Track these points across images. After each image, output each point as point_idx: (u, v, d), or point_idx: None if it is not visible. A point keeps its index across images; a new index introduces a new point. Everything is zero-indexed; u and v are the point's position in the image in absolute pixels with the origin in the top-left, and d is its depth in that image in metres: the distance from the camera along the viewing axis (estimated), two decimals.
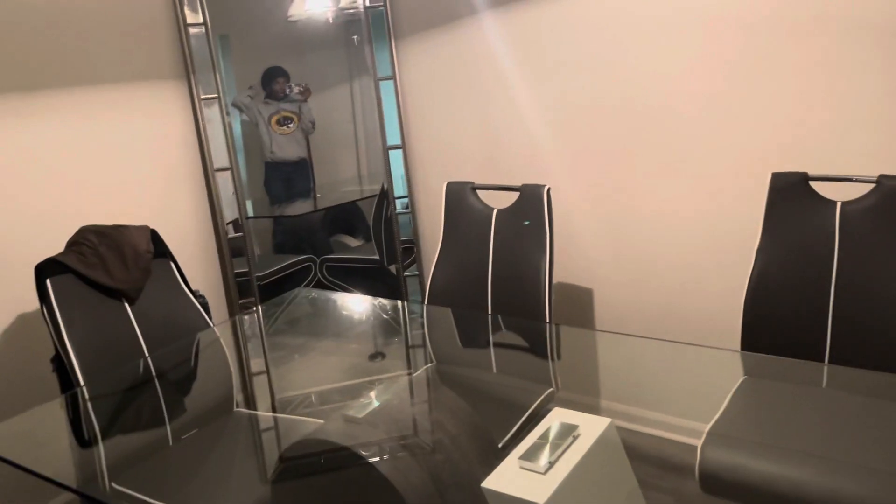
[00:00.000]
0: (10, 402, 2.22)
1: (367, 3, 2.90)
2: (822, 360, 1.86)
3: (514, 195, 2.20)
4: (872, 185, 1.81)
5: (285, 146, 3.20)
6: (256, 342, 2.35)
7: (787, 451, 1.58)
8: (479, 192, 2.28)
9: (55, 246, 2.09)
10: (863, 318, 1.79)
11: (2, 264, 2.28)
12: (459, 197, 2.28)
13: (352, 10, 3.00)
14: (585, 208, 2.52)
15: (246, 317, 2.57)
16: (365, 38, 2.96)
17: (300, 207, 3.37)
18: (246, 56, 3.17)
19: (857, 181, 1.84)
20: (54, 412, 1.89)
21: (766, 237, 1.92)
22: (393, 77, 2.91)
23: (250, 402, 2.04)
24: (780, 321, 1.90)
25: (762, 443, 1.63)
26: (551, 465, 1.25)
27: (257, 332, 2.42)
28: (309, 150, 3.28)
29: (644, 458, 2.04)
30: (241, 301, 2.99)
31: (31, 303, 2.07)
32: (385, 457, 1.47)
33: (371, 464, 1.43)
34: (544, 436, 1.33)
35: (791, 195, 1.91)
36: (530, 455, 1.28)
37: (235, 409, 1.99)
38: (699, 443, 1.62)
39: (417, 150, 2.93)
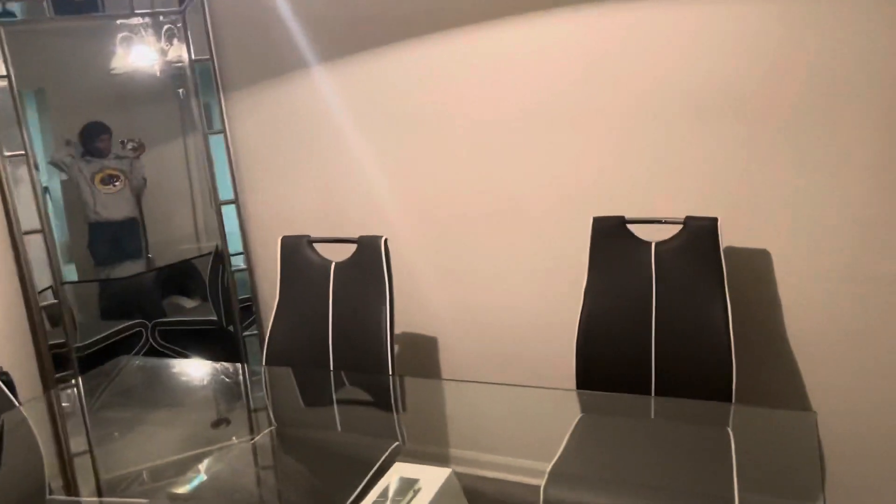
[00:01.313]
0: None
1: (193, 56, 2.82)
2: (650, 393, 1.96)
3: (352, 248, 2.17)
4: (680, 226, 1.96)
5: (111, 205, 3.00)
6: (77, 419, 2.14)
7: (623, 484, 1.64)
8: (316, 245, 2.24)
9: None
10: (680, 350, 1.92)
11: None
12: (295, 251, 2.22)
13: (179, 64, 2.90)
14: (424, 258, 2.54)
15: (66, 391, 2.34)
16: (192, 92, 2.86)
17: (129, 269, 3.16)
18: (65, 111, 2.97)
19: (666, 223, 1.99)
20: None
21: (592, 278, 2.02)
22: (223, 131, 2.82)
23: (71, 486, 1.83)
24: (610, 358, 1.99)
25: (600, 478, 1.68)
26: None
27: (76, 409, 2.20)
28: (140, 209, 3.09)
29: (492, 502, 2.04)
30: (57, 375, 2.72)
31: None
32: None
33: None
34: (384, 493, 1.29)
35: (611, 237, 2.03)
36: None
37: (49, 496, 1.78)
38: (542, 482, 1.64)
39: (252, 206, 2.85)
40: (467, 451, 1.94)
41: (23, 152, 2.61)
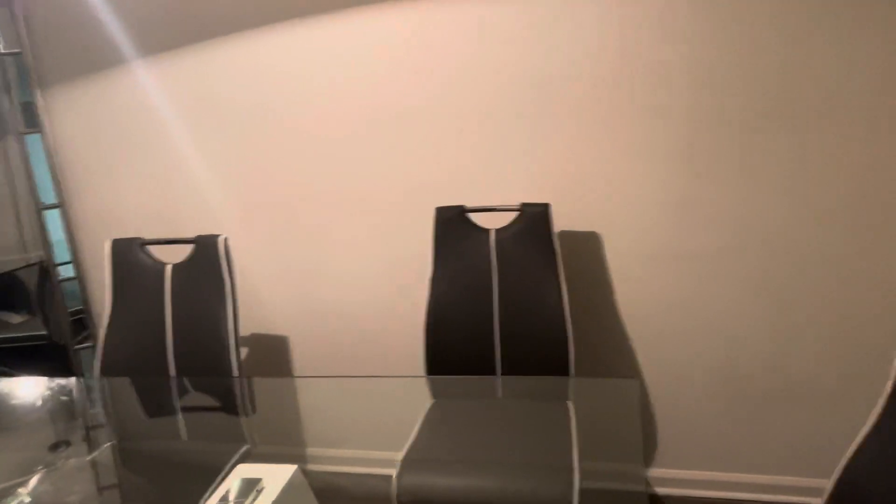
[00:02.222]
0: None
1: (3, 49, 2.58)
2: (496, 373, 2.03)
3: (189, 249, 2.09)
4: (517, 213, 2.05)
5: None
6: None
7: (474, 464, 1.69)
8: (150, 248, 2.13)
9: None
10: (521, 330, 2.00)
11: None
12: (127, 255, 2.10)
13: None
14: (267, 257, 2.48)
15: None
16: (3, 88, 2.63)
17: None
18: None
19: (504, 210, 2.07)
20: None
21: (437, 266, 2.07)
22: (41, 130, 2.60)
23: None
24: (456, 343, 2.04)
25: (452, 460, 1.72)
26: None
27: None
28: None
29: (347, 496, 2.04)
30: None
31: None
32: None
33: None
34: (225, 497, 1.25)
35: (453, 226, 2.08)
36: None
37: None
38: (395, 469, 1.66)
39: (79, 209, 2.65)
40: (320, 448, 1.93)
41: None
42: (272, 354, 2.59)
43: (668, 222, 2.10)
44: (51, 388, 2.18)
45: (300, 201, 2.41)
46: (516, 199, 2.17)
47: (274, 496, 1.26)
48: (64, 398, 2.15)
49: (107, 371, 2.09)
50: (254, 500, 1.25)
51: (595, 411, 1.84)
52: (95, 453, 1.87)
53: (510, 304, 2.01)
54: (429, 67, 2.17)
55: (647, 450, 2.29)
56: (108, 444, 1.93)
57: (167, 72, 2.40)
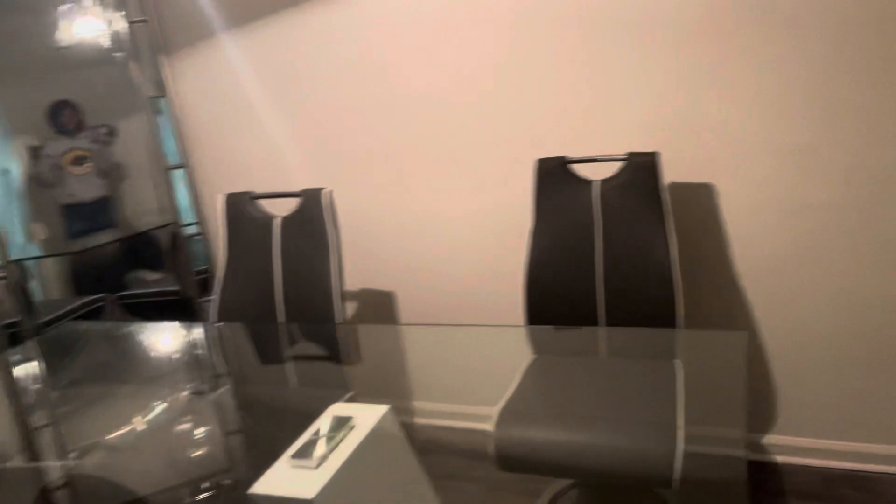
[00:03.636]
0: None
1: (132, 20, 2.75)
2: (598, 325, 1.97)
3: (296, 202, 2.15)
4: (622, 163, 1.96)
5: (81, 186, 2.96)
6: (33, 392, 2.13)
7: (573, 419, 1.66)
8: (260, 201, 2.21)
9: None
10: (627, 285, 1.93)
11: None
12: (239, 209, 2.20)
13: (119, 29, 2.83)
14: (373, 211, 2.52)
15: (19, 364, 2.32)
16: (130, 56, 2.80)
17: (91, 243, 3.13)
18: (16, 84, 2.91)
19: (608, 160, 1.98)
20: None
21: (538, 219, 2.02)
22: (166, 95, 2.76)
23: (36, 456, 1.83)
24: (558, 297, 2.00)
25: (551, 414, 1.69)
26: (324, 459, 1.21)
27: (34, 381, 2.19)
28: (107, 187, 3.06)
29: (443, 448, 2.06)
30: (12, 349, 2.69)
31: None
32: (151, 482, 1.36)
33: (132, 492, 1.32)
34: (317, 432, 1.29)
35: (554, 178, 2.02)
36: (301, 452, 1.23)
37: (6, 463, 1.78)
38: (492, 423, 1.65)
39: (201, 169, 2.81)
40: (420, 400, 1.96)
41: None
42: (377, 307, 2.64)
43: (786, 173, 1.94)
44: (171, 334, 2.33)
45: (403, 155, 2.42)
46: (622, 149, 2.07)
47: (364, 434, 1.29)
48: (183, 343, 2.29)
49: (222, 318, 2.20)
50: (343, 436, 1.28)
51: (702, 368, 1.74)
52: (212, 395, 1.99)
53: (615, 257, 1.93)
54: (529, 14, 2.11)
55: (767, 415, 2.15)
56: (224, 387, 2.04)
57: (280, 33, 2.47)
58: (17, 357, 2.41)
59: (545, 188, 2.03)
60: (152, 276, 3.39)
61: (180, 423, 1.67)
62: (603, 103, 2.10)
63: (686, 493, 1.56)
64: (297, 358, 2.09)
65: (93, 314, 3.17)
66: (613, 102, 2.09)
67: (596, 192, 1.97)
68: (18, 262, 2.92)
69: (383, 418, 1.36)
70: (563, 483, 2.12)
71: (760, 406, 2.16)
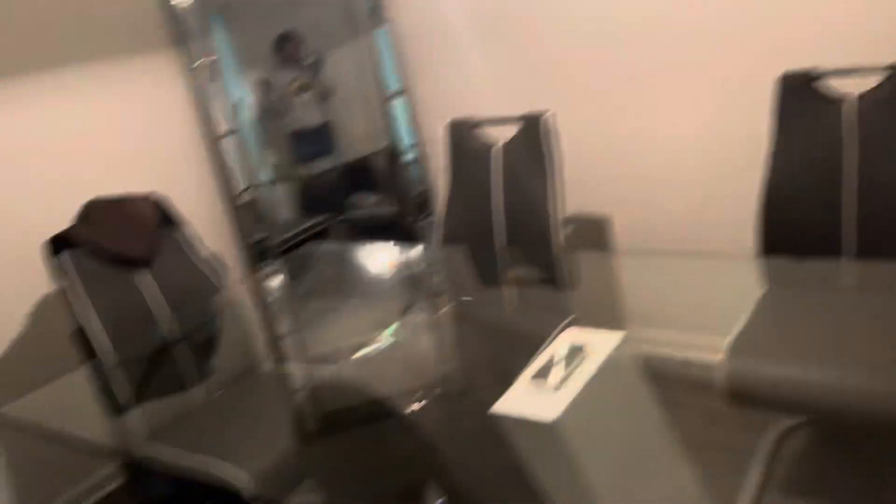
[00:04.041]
0: (35, 377, 2.25)
1: None
2: (841, 258, 1.80)
3: (518, 126, 2.15)
4: (884, 75, 1.72)
5: (305, 114, 3.19)
6: (278, 303, 2.37)
7: (810, 356, 1.55)
8: (482, 127, 2.24)
9: (63, 222, 2.10)
10: (886, 213, 1.73)
11: (12, 244, 2.29)
12: (462, 134, 2.24)
13: None
14: (594, 133, 2.45)
15: (267, 279, 2.59)
16: None
17: (316, 168, 3.37)
18: (246, 20, 3.14)
19: (865, 72, 1.75)
20: (79, 383, 1.93)
21: (778, 139, 1.85)
22: (388, 22, 2.85)
23: (278, 359, 2.06)
24: (798, 224, 1.84)
25: (786, 350, 1.60)
26: (562, 382, 1.23)
27: (277, 294, 2.43)
28: (327, 113, 3.27)
29: (665, 378, 2.02)
30: (258, 264, 3.01)
31: (43, 280, 2.08)
32: (403, 392, 1.47)
33: (389, 399, 1.44)
34: (551, 359, 1.31)
35: (799, 94, 1.83)
36: (540, 375, 1.26)
37: (259, 367, 2.02)
38: (723, 353, 1.59)
39: (421, 95, 2.89)
40: (640, 327, 1.92)
41: (214, 59, 2.80)
42: (595, 233, 2.61)
43: None
44: (397, 255, 2.46)
45: (628, 73, 2.32)
46: (881, 59, 1.81)
47: (601, 359, 1.29)
48: (407, 264, 2.42)
49: (444, 241, 2.29)
50: (579, 363, 1.29)
51: None
52: (437, 312, 2.10)
53: (872, 184, 1.73)
54: None
55: None
56: (447, 306, 2.15)
57: None
58: (266, 271, 2.69)
59: (788, 104, 1.85)
60: (371, 198, 3.60)
61: (409, 337, 1.78)
62: (858, 5, 1.85)
63: None
64: (516, 281, 2.14)
65: (320, 234, 3.43)
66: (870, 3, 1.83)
67: (850, 108, 1.76)
68: (256, 186, 3.22)
69: (620, 344, 1.35)
70: (791, 421, 2.02)
71: None
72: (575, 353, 1.31)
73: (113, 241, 2.04)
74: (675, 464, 1.39)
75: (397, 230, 3.31)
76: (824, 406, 1.49)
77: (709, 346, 1.65)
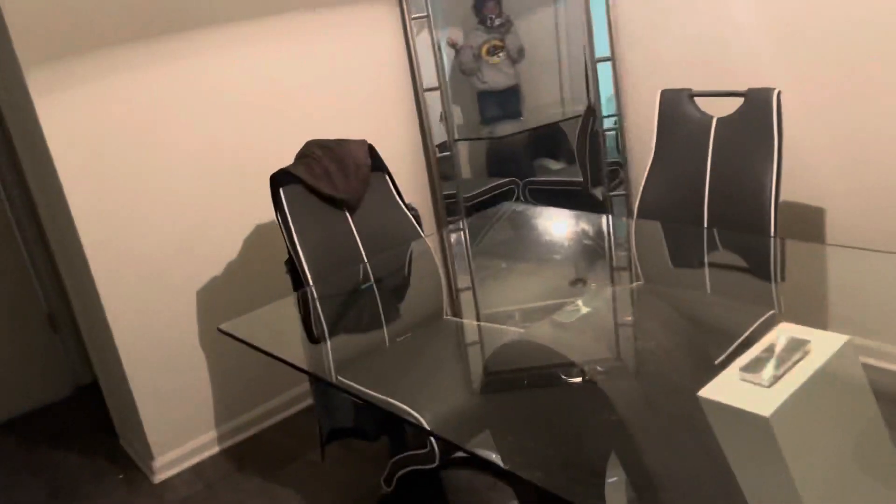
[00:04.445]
0: (252, 299, 2.50)
1: None
2: None
3: (737, 102, 2.02)
4: None
5: (495, 75, 3.20)
6: (461, 259, 2.42)
7: None
8: (697, 99, 2.12)
9: (286, 158, 2.28)
10: None
11: (243, 176, 2.54)
12: (675, 105, 2.14)
13: None
14: (814, 116, 2.25)
15: (453, 234, 2.65)
16: None
17: (504, 130, 3.38)
18: None
19: None
20: (288, 309, 2.10)
21: None
22: None
23: (457, 312, 2.11)
24: None
25: None
26: (776, 379, 1.16)
27: (463, 249, 2.48)
28: (517, 77, 3.26)
29: (881, 394, 1.84)
30: (448, 219, 3.09)
31: (268, 210, 2.29)
32: (593, 362, 1.46)
33: (578, 367, 1.43)
34: (769, 349, 1.24)
35: None
36: (753, 367, 1.19)
37: (445, 316, 2.08)
38: None
39: (628, 62, 2.78)
40: (857, 336, 1.76)
41: (425, 15, 2.87)
42: (802, 224, 2.42)
43: None
44: (581, 226, 2.41)
45: (864, 53, 2.09)
46: None
47: (822, 361, 1.20)
48: (588, 241, 2.36)
49: (642, 214, 2.22)
50: (799, 360, 1.21)
51: None
52: (627, 287, 2.04)
53: None
54: None
55: None
56: (638, 283, 2.08)
57: None
58: (455, 227, 2.76)
59: None
60: (555, 165, 3.55)
61: (599, 308, 1.75)
62: None
63: None
64: (716, 265, 2.03)
65: (504, 196, 3.45)
66: None
67: None
68: (453, 142, 3.28)
69: (844, 347, 1.25)
70: None
71: None
72: (793, 349, 1.22)
73: (327, 181, 2.17)
74: (890, 482, 1.27)
75: (583, 199, 3.25)
76: None
77: None
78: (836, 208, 2.32)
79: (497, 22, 3.13)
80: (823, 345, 1.25)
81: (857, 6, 2.08)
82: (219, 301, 2.56)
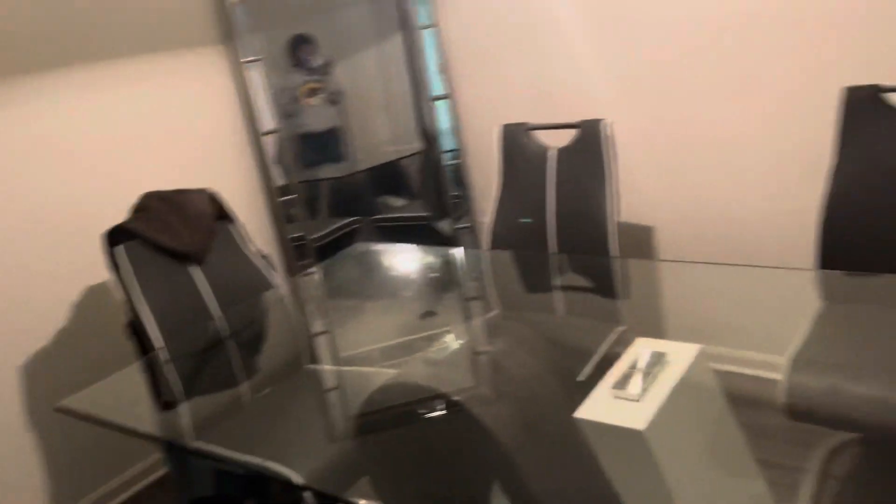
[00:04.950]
0: (89, 370, 2.28)
1: None
2: None
3: (572, 133, 2.14)
4: None
5: (314, 118, 3.17)
6: (317, 303, 2.36)
7: (877, 372, 1.54)
8: (535, 132, 2.23)
9: (118, 215, 2.12)
10: None
11: (69, 235, 2.32)
12: (515, 139, 2.23)
13: None
14: (643, 141, 2.45)
15: (306, 278, 2.58)
16: None
17: (327, 173, 3.34)
18: (274, 19, 3.13)
19: None
20: (134, 376, 1.93)
21: (841, 154, 1.84)
22: (433, 26, 2.84)
23: (317, 359, 2.05)
24: (861, 239, 1.83)
25: (849, 365, 1.59)
26: (644, 392, 1.23)
27: (317, 293, 2.43)
28: (341, 117, 3.25)
29: (728, 395, 2.00)
30: (299, 263, 3.01)
31: (100, 271, 2.10)
32: (468, 395, 1.46)
33: (454, 401, 1.43)
34: (633, 365, 1.30)
35: (865, 109, 1.82)
36: (622, 384, 1.25)
37: (306, 365, 2.01)
38: (784, 370, 1.58)
39: (464, 99, 2.88)
40: (696, 339, 1.91)
41: (258, 58, 2.80)
42: (638, 244, 2.60)
43: None
44: (433, 260, 2.44)
45: (683, 83, 2.31)
46: None
47: (682, 371, 1.28)
48: (436, 274, 2.40)
49: (495, 245, 2.28)
50: (661, 372, 1.28)
51: None
52: (488, 317, 2.08)
53: None
54: None
55: None
56: (495, 311, 2.13)
57: None
58: (307, 270, 2.68)
59: (852, 120, 1.84)
60: (398, 201, 3.58)
61: (459, 343, 1.77)
62: None
63: None
64: (565, 288, 2.12)
65: (352, 235, 3.43)
66: None
67: None
68: (294, 184, 3.21)
69: (698, 356, 1.34)
70: (842, 437, 2.00)
71: None
72: (655, 363, 1.30)
73: (168, 234, 2.04)
74: (749, 478, 1.38)
75: (431, 233, 3.30)
76: (879, 423, 1.48)
77: (766, 361, 1.64)
78: (664, 226, 2.52)
79: (315, 64, 3.11)
80: (679, 355, 1.34)
81: (676, 44, 2.30)
82: (49, 377, 2.31)
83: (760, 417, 1.68)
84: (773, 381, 1.55)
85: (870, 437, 1.92)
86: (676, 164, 2.41)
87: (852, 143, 1.84)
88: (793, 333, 1.70)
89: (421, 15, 2.88)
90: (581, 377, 1.59)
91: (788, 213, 2.23)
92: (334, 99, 3.17)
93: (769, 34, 2.09)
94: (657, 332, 1.99)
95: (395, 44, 3.08)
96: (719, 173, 2.34)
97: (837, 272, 1.87)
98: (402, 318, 2.11)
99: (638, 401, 1.21)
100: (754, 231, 2.33)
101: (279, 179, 2.96)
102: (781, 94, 2.13)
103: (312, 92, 3.11)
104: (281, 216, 2.99)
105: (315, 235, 3.11)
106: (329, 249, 3.08)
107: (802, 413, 1.57)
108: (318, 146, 3.26)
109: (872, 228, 1.81)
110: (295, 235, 3.01)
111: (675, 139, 2.39)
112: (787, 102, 2.13)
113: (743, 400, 1.77)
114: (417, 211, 3.41)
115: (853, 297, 1.85)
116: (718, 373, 1.48)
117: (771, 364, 1.61)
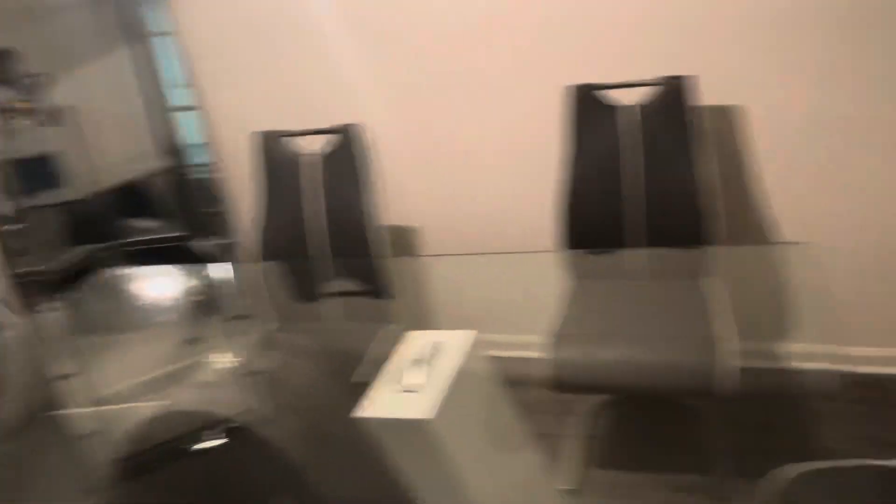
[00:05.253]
0: None
1: None
2: (635, 249, 2.02)
3: (327, 138, 2.13)
4: (654, 88, 1.98)
5: (23, 141, 2.82)
6: (59, 341, 2.11)
7: (628, 338, 1.71)
8: (292, 139, 2.18)
9: None
10: (665, 205, 1.98)
11: None
12: (273, 147, 2.17)
13: None
14: (404, 144, 2.50)
15: (46, 315, 2.30)
16: None
17: (45, 200, 3.01)
18: None
19: (638, 86, 2.00)
20: None
21: (570, 146, 2.04)
22: (172, 32, 2.65)
23: (64, 403, 1.83)
24: (592, 221, 2.04)
25: (605, 334, 1.74)
26: (426, 382, 1.25)
27: (59, 331, 2.17)
28: (64, 138, 2.93)
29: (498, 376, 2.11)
30: (36, 298, 2.66)
31: None
32: (248, 415, 1.39)
33: (237, 424, 1.35)
34: (411, 358, 1.32)
35: (585, 105, 2.04)
36: (401, 377, 1.26)
37: (48, 413, 1.78)
38: (547, 348, 1.69)
39: (216, 109, 2.73)
40: (464, 328, 1.99)
41: None
42: (408, 245, 2.65)
43: (814, 90, 1.99)
44: (189, 279, 2.30)
45: (432, 87, 2.39)
46: (652, 73, 2.09)
47: (460, 357, 1.33)
48: (203, 290, 2.27)
49: (253, 259, 2.20)
50: (438, 360, 1.31)
51: (747, 280, 1.81)
52: (259, 332, 2.00)
53: (652, 181, 1.98)
54: None
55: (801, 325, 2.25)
56: (267, 325, 2.06)
57: None
58: (45, 305, 2.38)
59: (576, 114, 2.05)
60: (148, 222, 3.33)
61: (252, 361, 1.69)
62: (634, 25, 2.10)
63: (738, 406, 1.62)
64: (332, 294, 2.11)
65: (98, 263, 3.12)
66: (646, 25, 2.09)
67: (630, 117, 2.00)
68: (23, 213, 2.84)
69: (473, 343, 1.39)
70: (595, 399, 2.20)
71: (796, 318, 2.25)
72: (432, 353, 1.33)
73: None
74: (526, 452, 1.47)
75: (187, 253, 3.10)
76: (643, 384, 1.64)
77: (528, 341, 1.74)
78: (429, 226, 2.59)
79: (24, 82, 2.75)
80: (455, 343, 1.38)
81: (425, 50, 2.38)
82: None
83: (531, 394, 1.80)
84: (540, 360, 1.66)
85: (623, 397, 2.15)
86: (435, 165, 2.50)
87: (576, 135, 2.04)
88: (551, 312, 1.84)
89: (152, 22, 2.68)
90: (356, 378, 1.59)
91: (532, 201, 2.41)
92: (49, 121, 2.81)
93: (502, 40, 2.25)
94: (428, 324, 2.06)
95: (124, 54, 2.82)
96: (469, 172, 2.46)
97: (580, 251, 2.07)
98: (165, 347, 1.95)
99: (419, 392, 1.23)
100: (505, 221, 2.48)
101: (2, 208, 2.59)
102: (514, 94, 2.30)
103: (18, 113, 2.74)
104: (5, 249, 2.61)
105: (53, 267, 2.78)
106: (71, 281, 2.76)
107: (567, 384, 1.70)
108: (29, 172, 2.89)
109: (601, 208, 2.03)
110: (28, 270, 2.66)
111: (430, 141, 2.48)
112: (520, 102, 2.30)
113: (515, 380, 1.89)
114: (170, 231, 3.18)
115: (596, 273, 2.06)
116: (492, 358, 1.55)
117: (535, 344, 1.72)
